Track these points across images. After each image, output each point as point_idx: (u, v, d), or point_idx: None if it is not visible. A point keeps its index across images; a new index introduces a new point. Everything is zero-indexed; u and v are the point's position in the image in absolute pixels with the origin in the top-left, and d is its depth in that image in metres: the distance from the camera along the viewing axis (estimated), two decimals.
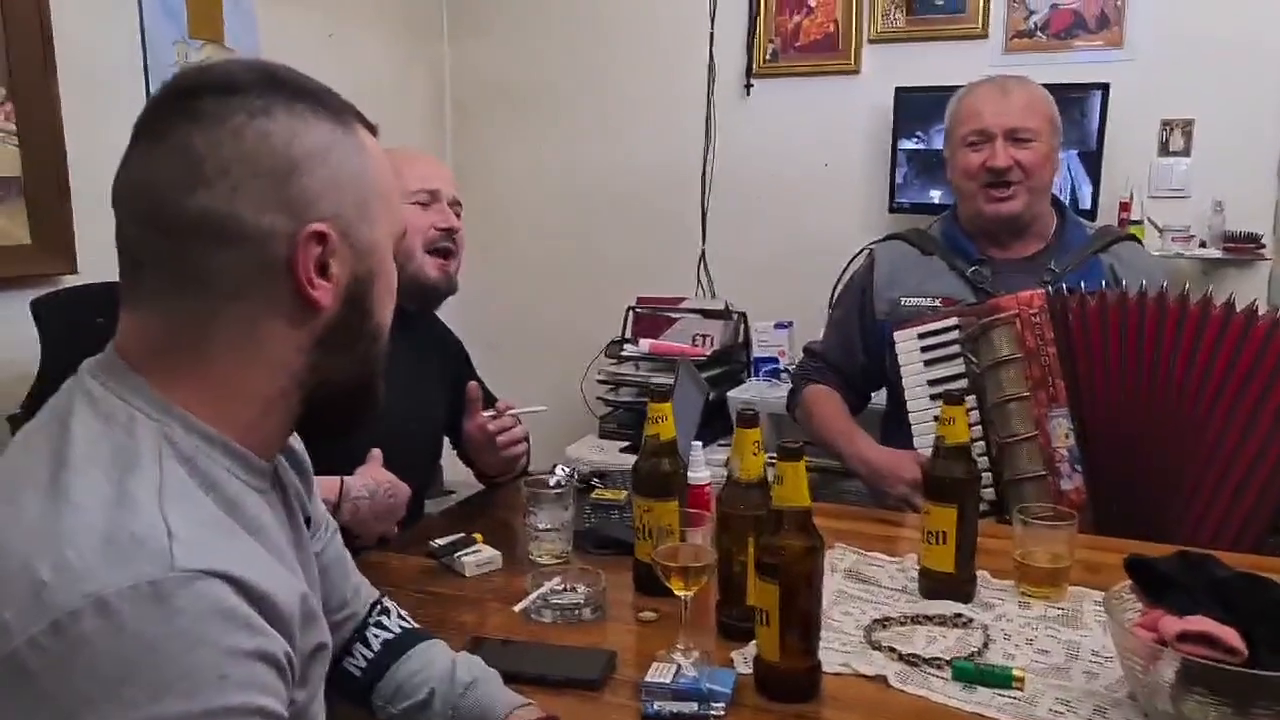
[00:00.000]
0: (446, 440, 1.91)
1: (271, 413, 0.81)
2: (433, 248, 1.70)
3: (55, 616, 0.63)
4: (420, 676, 1.06)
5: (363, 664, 1.07)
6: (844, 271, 3.05)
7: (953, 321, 1.91)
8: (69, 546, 0.65)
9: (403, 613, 1.14)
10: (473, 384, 1.75)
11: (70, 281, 2.19)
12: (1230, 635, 0.99)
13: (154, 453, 0.73)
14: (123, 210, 0.77)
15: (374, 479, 1.53)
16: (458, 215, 1.75)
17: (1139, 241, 2.16)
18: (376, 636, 1.09)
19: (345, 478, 1.49)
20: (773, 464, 1.18)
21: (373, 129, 0.86)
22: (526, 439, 1.76)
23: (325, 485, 1.55)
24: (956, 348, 1.90)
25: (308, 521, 0.98)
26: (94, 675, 0.63)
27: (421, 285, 1.69)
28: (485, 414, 1.72)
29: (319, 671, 0.84)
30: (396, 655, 1.08)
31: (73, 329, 0.82)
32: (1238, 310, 1.73)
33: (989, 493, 1.79)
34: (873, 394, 2.19)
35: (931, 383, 1.94)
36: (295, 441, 0.98)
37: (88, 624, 0.63)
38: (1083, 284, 1.88)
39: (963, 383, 1.86)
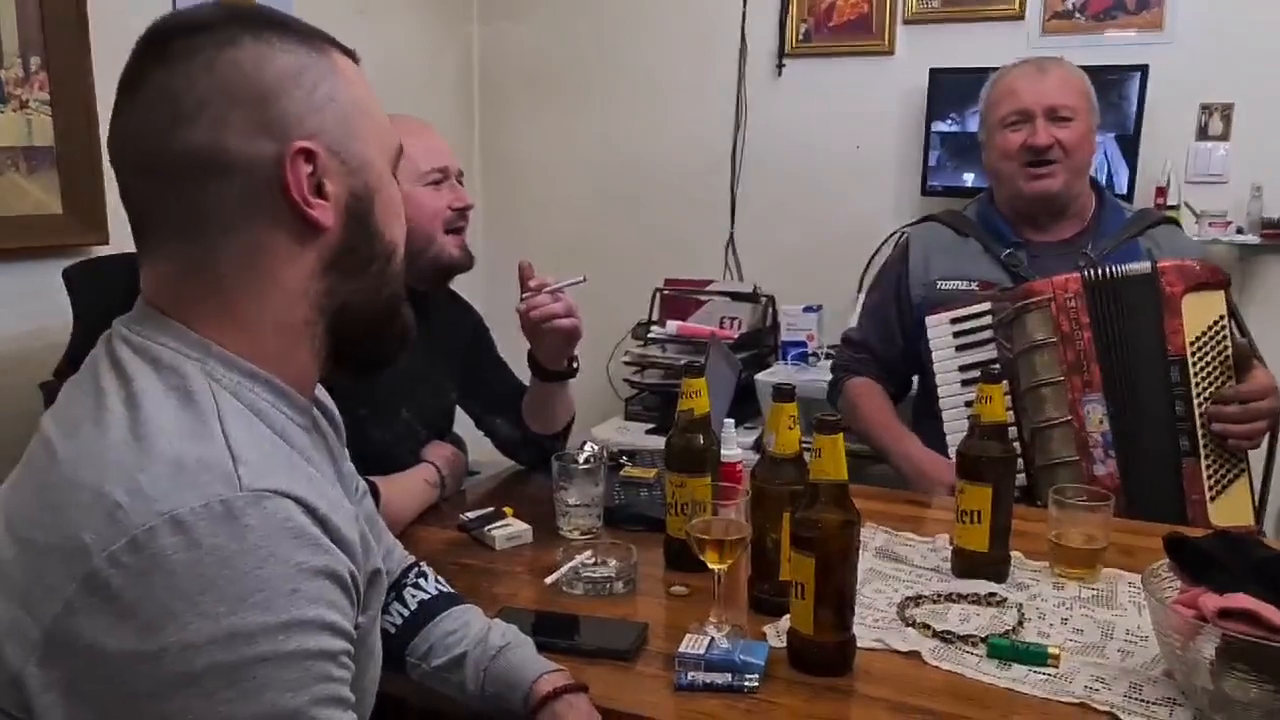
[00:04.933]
0: (469, 417, 1.91)
1: (299, 343, 0.82)
2: (451, 228, 1.65)
3: (133, 534, 0.65)
4: (455, 637, 1.07)
5: (399, 621, 1.09)
6: (874, 255, 3.04)
7: (985, 306, 1.89)
8: (140, 472, 0.68)
9: (440, 578, 1.16)
10: (523, 262, 1.67)
11: (101, 251, 2.20)
12: (1273, 613, 0.98)
13: (204, 387, 0.75)
14: (119, 166, 0.79)
15: (442, 456, 1.70)
16: (462, 185, 1.70)
17: (1178, 225, 2.13)
18: (414, 596, 1.10)
19: (430, 462, 1.67)
20: (807, 445, 1.18)
21: (351, 54, 0.86)
22: (572, 313, 1.65)
23: (425, 472, 1.65)
24: (989, 333, 1.88)
25: None
26: (173, 588, 0.65)
27: (445, 266, 1.66)
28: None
29: (376, 597, 0.86)
30: (432, 615, 1.09)
31: (104, 298, 0.83)
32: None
33: (1020, 478, 1.77)
34: (914, 379, 2.17)
35: (963, 368, 1.92)
36: (327, 399, 0.99)
37: (164, 540, 0.65)
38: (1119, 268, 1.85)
39: (995, 368, 1.84)
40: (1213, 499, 1.74)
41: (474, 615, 1.12)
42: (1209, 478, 1.75)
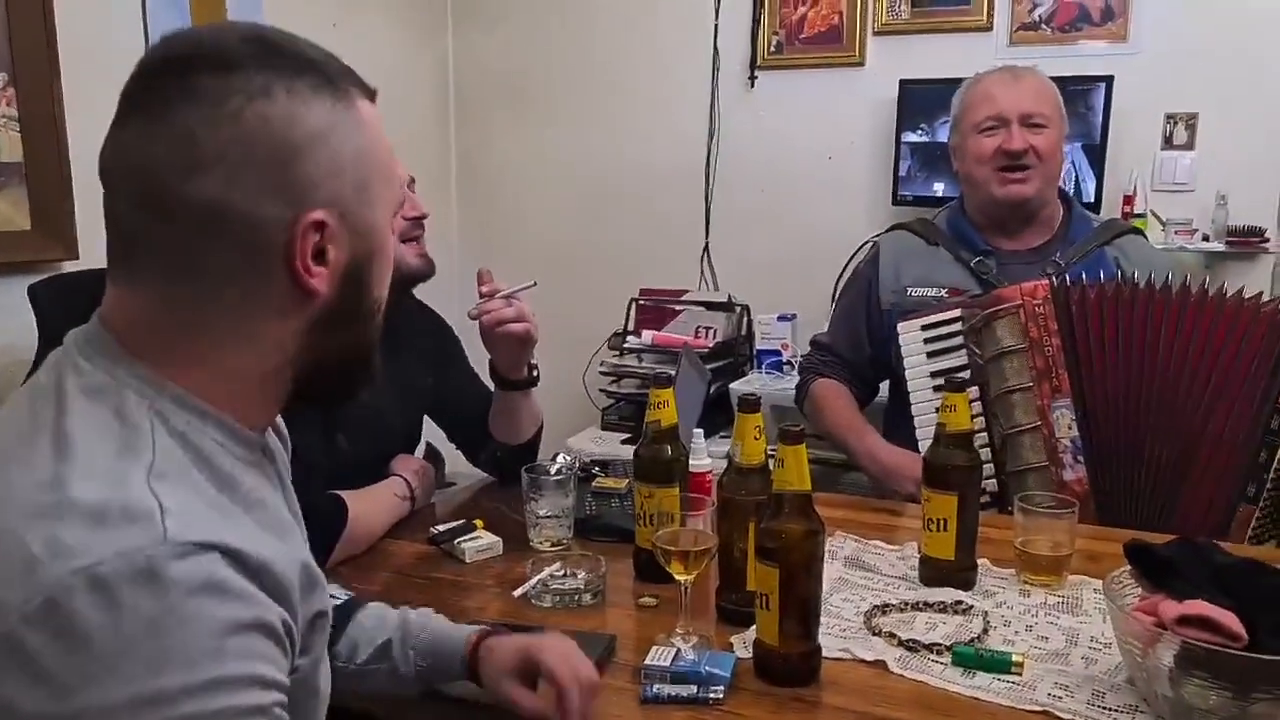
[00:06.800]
0: (441, 430, 1.91)
1: (266, 388, 0.81)
2: (406, 237, 1.64)
3: (49, 594, 0.63)
4: (374, 629, 1.10)
5: None
6: (847, 264, 3.05)
7: (956, 313, 1.90)
8: (59, 522, 0.65)
9: (341, 584, 1.20)
10: (481, 269, 1.68)
11: (70, 267, 2.18)
12: (1230, 620, 0.99)
13: (145, 430, 0.72)
14: (115, 186, 0.76)
15: (412, 469, 1.69)
16: (413, 191, 1.68)
17: (1144, 235, 2.16)
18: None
19: (400, 475, 1.66)
20: (774, 454, 1.18)
21: (371, 94, 0.83)
22: (524, 318, 1.65)
23: (394, 486, 1.64)
24: (960, 339, 1.90)
25: None
26: (90, 651, 0.62)
27: (405, 276, 1.64)
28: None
29: (320, 639, 0.84)
30: (347, 617, 1.11)
31: (70, 314, 0.82)
32: (1229, 297, 1.74)
33: (990, 484, 1.78)
34: (881, 385, 2.18)
35: (934, 374, 1.93)
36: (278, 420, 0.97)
37: (81, 600, 0.62)
38: (1084, 276, 1.87)
39: (966, 374, 1.85)
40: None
41: (386, 609, 1.14)
42: (1254, 527, 1.70)
